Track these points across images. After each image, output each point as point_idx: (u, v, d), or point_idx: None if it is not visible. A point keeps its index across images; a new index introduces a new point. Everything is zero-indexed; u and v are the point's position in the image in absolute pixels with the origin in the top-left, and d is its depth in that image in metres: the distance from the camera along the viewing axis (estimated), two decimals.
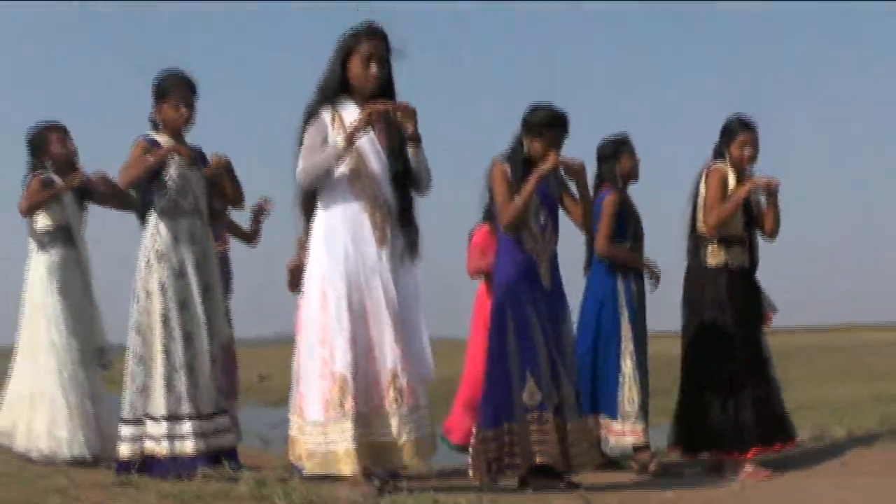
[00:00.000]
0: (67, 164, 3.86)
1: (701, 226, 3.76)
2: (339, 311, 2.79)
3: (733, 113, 3.79)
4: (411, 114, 2.87)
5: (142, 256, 3.26)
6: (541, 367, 3.18)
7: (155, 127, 3.37)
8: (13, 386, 3.80)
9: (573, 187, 3.41)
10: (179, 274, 3.24)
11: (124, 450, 3.19)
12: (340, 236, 2.85)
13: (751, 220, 3.79)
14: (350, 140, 2.81)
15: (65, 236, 3.86)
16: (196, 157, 3.37)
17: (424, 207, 3.08)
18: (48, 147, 3.87)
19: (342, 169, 2.86)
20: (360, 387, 2.77)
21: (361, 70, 2.87)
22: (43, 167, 3.84)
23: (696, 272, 3.81)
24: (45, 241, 3.84)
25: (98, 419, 3.71)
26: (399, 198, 2.93)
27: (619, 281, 3.94)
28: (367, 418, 2.77)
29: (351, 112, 2.89)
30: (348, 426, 2.71)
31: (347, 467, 2.71)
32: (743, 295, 3.73)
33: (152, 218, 3.27)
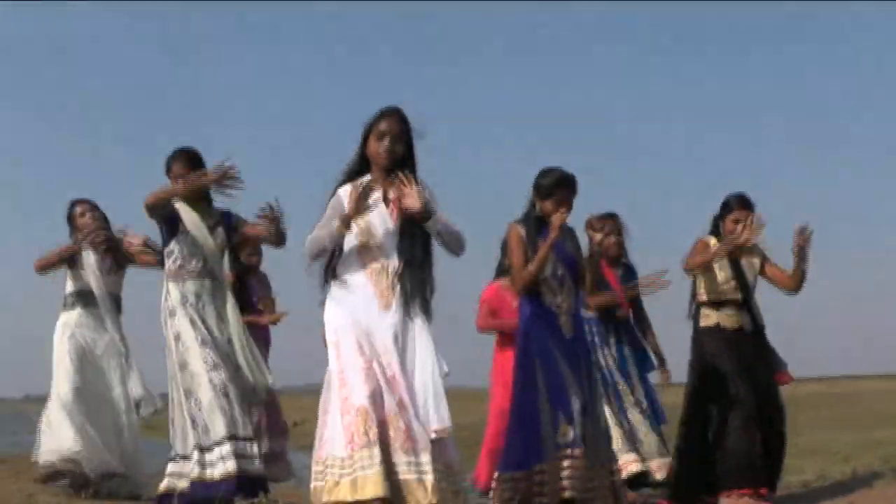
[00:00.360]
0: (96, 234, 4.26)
1: (698, 292, 4.08)
2: (352, 355, 2.92)
3: (735, 191, 4.08)
4: (413, 195, 2.95)
5: (161, 314, 3.65)
6: (572, 407, 3.31)
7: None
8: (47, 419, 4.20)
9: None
10: (193, 324, 3.55)
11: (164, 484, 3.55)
12: (349, 300, 3.02)
13: (744, 283, 4.03)
14: (345, 223, 2.97)
15: (85, 299, 4.28)
16: (218, 220, 3.69)
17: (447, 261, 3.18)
18: (75, 220, 4.33)
19: (353, 241, 3.04)
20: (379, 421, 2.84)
21: (376, 146, 3.04)
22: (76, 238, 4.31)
23: (694, 334, 4.10)
24: (68, 302, 4.33)
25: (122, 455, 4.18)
26: (409, 268, 3.02)
27: None
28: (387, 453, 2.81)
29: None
30: (376, 452, 2.75)
31: (378, 490, 2.69)
32: (738, 353, 3.92)
33: (164, 280, 3.65)
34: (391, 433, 2.83)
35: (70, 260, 4.27)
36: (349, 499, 2.75)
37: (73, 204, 4.37)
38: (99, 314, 4.26)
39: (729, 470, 3.73)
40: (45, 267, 4.30)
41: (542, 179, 3.59)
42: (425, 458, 2.81)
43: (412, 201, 2.95)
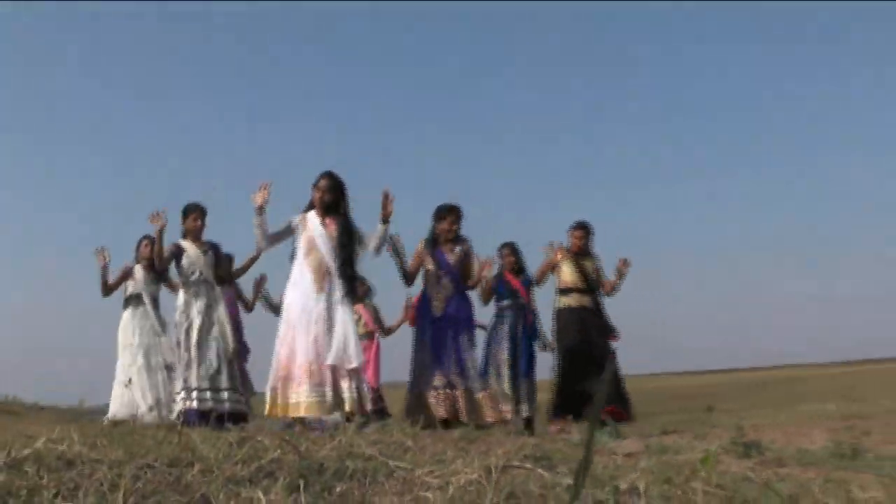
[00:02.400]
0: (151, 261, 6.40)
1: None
2: (284, 324, 4.84)
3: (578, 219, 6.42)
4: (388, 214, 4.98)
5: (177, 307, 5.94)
6: (442, 360, 5.27)
7: (183, 236, 5.97)
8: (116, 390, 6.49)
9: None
10: (195, 314, 5.80)
11: (176, 407, 5.70)
12: (294, 283, 4.92)
13: (586, 278, 6.22)
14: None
15: (137, 301, 6.68)
16: (208, 248, 5.99)
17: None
18: (140, 249, 6.81)
19: (302, 247, 4.94)
20: (305, 366, 4.64)
21: (318, 197, 4.98)
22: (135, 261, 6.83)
23: (554, 314, 6.35)
24: (128, 302, 6.70)
25: (160, 405, 6.40)
26: (339, 266, 4.88)
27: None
28: (313, 386, 4.61)
29: (312, 217, 5.00)
30: (303, 389, 4.62)
31: (302, 410, 4.63)
32: (580, 322, 6.15)
33: (184, 287, 5.93)
34: (318, 372, 4.66)
35: (129, 274, 6.74)
36: (283, 414, 4.74)
37: (143, 238, 6.74)
38: (146, 309, 6.64)
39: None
40: (115, 285, 6.65)
41: (436, 210, 5.55)
42: (344, 384, 4.68)
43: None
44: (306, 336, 4.70)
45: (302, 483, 1.96)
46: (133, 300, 6.68)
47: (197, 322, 5.74)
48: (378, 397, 7.24)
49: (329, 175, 4.98)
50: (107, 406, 6.56)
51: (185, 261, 5.86)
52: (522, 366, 6.44)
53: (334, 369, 4.65)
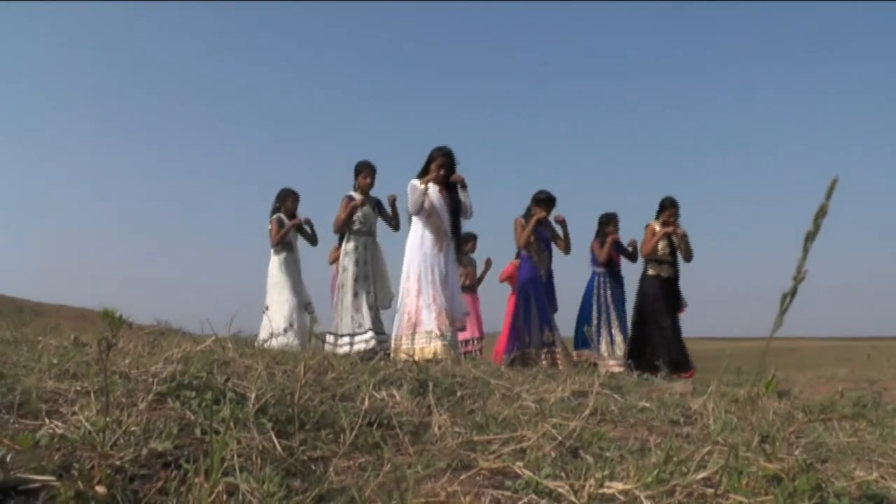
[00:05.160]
0: (291, 215, 7.24)
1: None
2: (413, 280, 5.66)
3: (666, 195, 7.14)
4: (461, 180, 5.80)
5: (343, 252, 6.58)
6: (548, 318, 6.51)
7: (354, 189, 6.60)
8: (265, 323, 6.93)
9: (560, 231, 6.80)
10: (356, 262, 6.46)
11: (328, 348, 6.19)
12: (418, 244, 5.73)
13: (674, 249, 7.00)
14: (424, 191, 5.72)
15: (288, 247, 7.26)
16: (374, 202, 6.60)
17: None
18: (286, 202, 7.28)
19: (424, 212, 5.72)
20: (423, 317, 5.48)
21: (435, 171, 5.76)
22: (279, 211, 7.27)
23: (642, 279, 7.15)
24: (279, 249, 7.24)
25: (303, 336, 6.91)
26: (453, 227, 5.82)
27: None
28: (425, 335, 5.41)
29: (431, 186, 5.74)
30: (411, 337, 5.43)
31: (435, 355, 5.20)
32: (665, 291, 6.98)
33: (348, 235, 6.53)
34: (443, 320, 5.48)
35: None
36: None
37: (287, 192, 7.37)
38: (294, 256, 7.29)
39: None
40: (283, 237, 7.18)
41: (537, 195, 6.79)
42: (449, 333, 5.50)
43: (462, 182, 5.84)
44: (432, 290, 5.57)
45: (430, 386, 2.33)
46: (283, 248, 7.30)
47: (359, 270, 6.43)
48: (481, 348, 8.09)
49: (448, 152, 5.86)
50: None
51: (356, 213, 6.56)
52: (624, 325, 7.21)
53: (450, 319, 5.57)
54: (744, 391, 2.82)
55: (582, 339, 7.23)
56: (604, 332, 7.19)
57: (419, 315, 5.53)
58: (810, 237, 0.75)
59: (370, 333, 6.29)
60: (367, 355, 5.52)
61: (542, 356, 6.28)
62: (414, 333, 5.47)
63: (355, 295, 6.40)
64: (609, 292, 7.29)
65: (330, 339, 6.34)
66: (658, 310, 6.95)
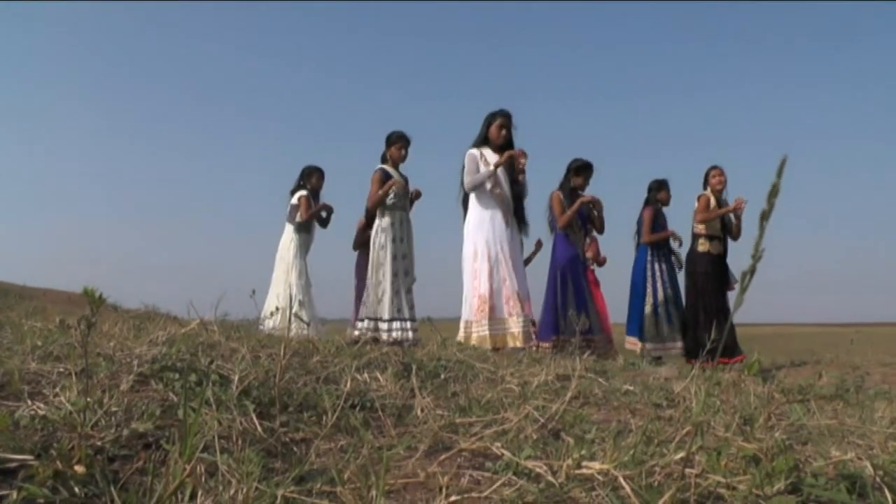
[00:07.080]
0: (315, 192, 7.15)
1: (696, 227, 6.71)
2: (483, 260, 5.19)
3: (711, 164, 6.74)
4: (522, 156, 5.29)
5: (376, 228, 6.01)
6: (587, 306, 5.87)
7: (384, 161, 6.18)
8: (268, 303, 6.79)
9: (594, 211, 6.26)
10: (393, 239, 5.91)
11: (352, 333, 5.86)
12: (486, 220, 5.27)
13: (724, 226, 6.64)
14: (495, 168, 5.17)
15: (307, 228, 7.10)
16: (405, 179, 6.13)
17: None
18: (311, 179, 7.18)
19: (488, 184, 5.28)
20: (496, 301, 5.10)
21: (496, 132, 5.36)
22: (304, 188, 7.14)
23: (692, 255, 6.73)
24: (299, 229, 7.06)
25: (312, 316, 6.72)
26: (514, 200, 5.34)
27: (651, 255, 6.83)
28: (499, 320, 5.06)
29: (489, 154, 5.36)
30: (514, 320, 5.05)
31: (488, 345, 4.80)
32: (716, 269, 6.61)
33: (383, 211, 6.00)
34: (513, 304, 5.11)
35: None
36: (475, 344, 4.85)
37: (313, 168, 7.29)
38: (310, 238, 7.13)
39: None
40: (313, 215, 7.04)
41: (572, 163, 6.21)
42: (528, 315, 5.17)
43: (523, 162, 5.39)
44: (507, 271, 5.15)
45: (414, 369, 2.34)
46: (302, 228, 7.10)
47: (396, 248, 5.90)
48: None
49: (508, 113, 5.35)
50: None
51: (391, 190, 6.01)
52: (680, 302, 6.79)
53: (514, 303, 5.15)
54: (728, 375, 2.85)
55: (638, 326, 6.68)
56: (661, 311, 6.64)
57: (493, 299, 5.08)
58: (765, 216, 0.76)
59: (410, 323, 5.73)
60: (404, 343, 5.11)
61: (580, 345, 5.50)
62: (489, 319, 5.00)
63: (395, 275, 5.81)
64: (664, 265, 6.78)
65: (365, 325, 5.76)
66: (709, 289, 6.50)
